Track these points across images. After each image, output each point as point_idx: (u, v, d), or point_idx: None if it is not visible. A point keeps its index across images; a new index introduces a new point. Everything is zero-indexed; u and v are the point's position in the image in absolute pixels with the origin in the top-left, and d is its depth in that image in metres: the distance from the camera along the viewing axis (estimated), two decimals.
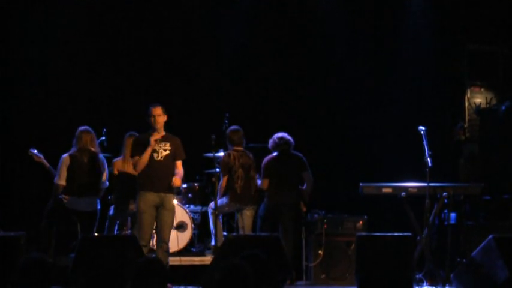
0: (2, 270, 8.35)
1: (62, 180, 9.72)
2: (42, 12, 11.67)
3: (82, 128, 9.93)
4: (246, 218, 10.39)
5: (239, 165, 10.36)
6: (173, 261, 9.67)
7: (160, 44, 12.07)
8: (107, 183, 10.05)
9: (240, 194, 10.36)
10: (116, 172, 10.13)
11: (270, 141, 10.50)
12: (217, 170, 10.57)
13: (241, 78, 12.19)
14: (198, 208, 11.19)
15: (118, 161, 10.15)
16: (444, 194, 10.02)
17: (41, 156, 9.99)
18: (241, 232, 10.34)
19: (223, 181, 10.37)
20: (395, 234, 9.22)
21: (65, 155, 9.80)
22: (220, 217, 10.55)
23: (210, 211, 10.52)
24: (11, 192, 11.56)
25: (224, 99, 11.89)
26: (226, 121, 10.80)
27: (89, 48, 11.82)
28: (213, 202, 10.44)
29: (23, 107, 11.62)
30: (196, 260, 10.38)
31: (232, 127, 10.55)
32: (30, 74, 11.64)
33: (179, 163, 9.40)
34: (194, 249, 11.02)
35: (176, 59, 12.10)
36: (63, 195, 9.72)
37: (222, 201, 10.43)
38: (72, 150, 9.82)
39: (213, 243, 10.43)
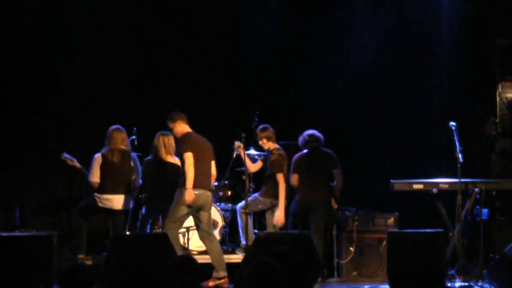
0: (36, 269, 8.44)
1: (95, 177, 9.81)
2: (73, 8, 11.70)
3: (114, 127, 10.01)
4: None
5: (286, 164, 10.44)
6: (204, 259, 9.70)
7: (190, 42, 12.08)
8: (140, 181, 10.11)
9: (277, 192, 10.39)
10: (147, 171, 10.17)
11: (300, 138, 10.53)
12: None
13: (271, 75, 12.17)
14: (229, 206, 11.21)
15: (149, 160, 10.20)
16: (476, 189, 9.98)
17: (74, 160, 10.15)
18: (271, 230, 10.34)
19: (283, 180, 10.34)
20: (427, 230, 9.20)
21: (97, 154, 9.89)
22: (251, 215, 10.57)
23: (238, 210, 10.54)
24: (44, 192, 11.64)
25: (254, 97, 11.87)
26: (257, 119, 10.81)
27: (119, 47, 11.85)
28: (241, 202, 10.52)
29: (54, 108, 11.67)
30: (227, 258, 10.38)
31: (265, 125, 10.59)
32: (60, 74, 11.69)
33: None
34: (225, 247, 11.03)
35: (206, 56, 12.11)
36: (96, 194, 9.80)
37: (254, 197, 10.46)
38: (104, 149, 9.90)
39: (243, 241, 10.45)
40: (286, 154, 10.50)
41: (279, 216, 10.27)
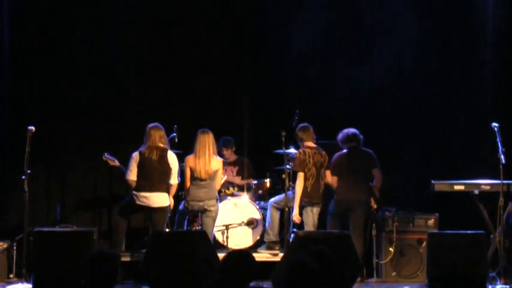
0: (76, 264, 8.50)
1: (132, 176, 9.83)
2: (110, 8, 11.77)
3: (152, 124, 10.03)
4: (313, 215, 10.39)
5: (313, 163, 10.37)
6: None
7: (229, 41, 12.08)
8: (179, 179, 10.13)
9: (310, 192, 10.36)
10: (188, 169, 10.17)
11: (340, 136, 10.45)
12: (288, 166, 10.56)
13: (311, 73, 12.12)
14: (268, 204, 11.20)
15: (190, 157, 10.18)
16: None
17: (115, 160, 10.26)
18: (307, 229, 10.32)
19: (301, 179, 10.34)
20: (468, 232, 9.13)
21: (135, 152, 9.92)
22: (280, 213, 10.59)
23: (270, 204, 10.61)
24: (84, 190, 11.71)
25: (294, 95, 11.83)
26: (297, 117, 10.78)
27: (160, 44, 11.88)
28: (273, 197, 10.67)
29: (95, 106, 11.72)
30: (266, 256, 10.40)
31: (302, 124, 10.56)
32: (100, 73, 11.72)
33: None
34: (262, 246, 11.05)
35: (246, 55, 12.10)
36: (134, 192, 9.84)
37: (288, 194, 10.45)
38: (142, 147, 9.93)
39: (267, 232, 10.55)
40: (315, 153, 10.44)
41: (294, 213, 10.33)
